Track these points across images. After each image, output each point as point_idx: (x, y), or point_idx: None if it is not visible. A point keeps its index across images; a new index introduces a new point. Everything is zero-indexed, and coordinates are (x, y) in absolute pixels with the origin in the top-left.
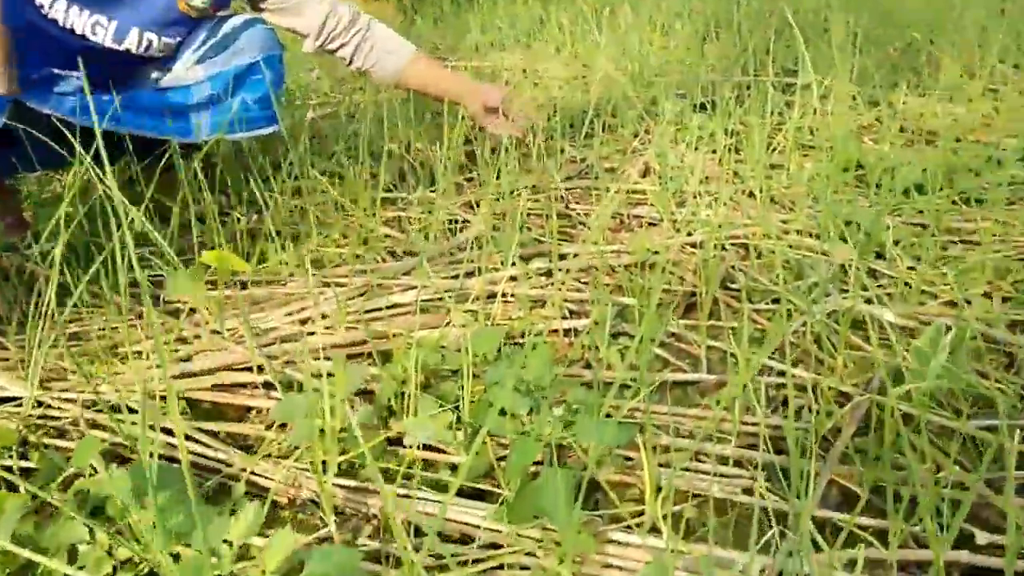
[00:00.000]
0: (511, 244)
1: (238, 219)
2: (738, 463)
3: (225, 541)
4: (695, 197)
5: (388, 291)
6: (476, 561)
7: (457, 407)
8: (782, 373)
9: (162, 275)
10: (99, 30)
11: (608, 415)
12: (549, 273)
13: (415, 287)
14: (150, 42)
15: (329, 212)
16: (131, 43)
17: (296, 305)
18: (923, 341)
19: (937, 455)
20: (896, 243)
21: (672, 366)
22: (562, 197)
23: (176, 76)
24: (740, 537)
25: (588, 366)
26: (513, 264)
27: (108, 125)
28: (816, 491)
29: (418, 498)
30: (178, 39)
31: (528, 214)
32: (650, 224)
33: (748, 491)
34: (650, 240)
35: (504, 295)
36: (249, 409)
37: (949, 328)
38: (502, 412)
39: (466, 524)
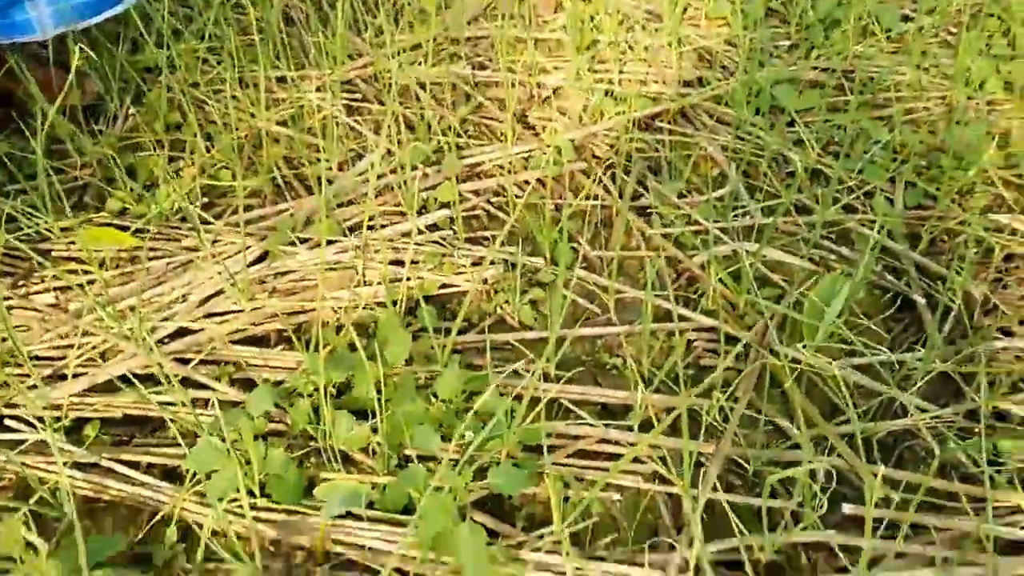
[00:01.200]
0: (411, 193)
1: (114, 118)
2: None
3: None
4: (608, 47)
5: (288, 254)
6: None
7: (373, 416)
8: (685, 318)
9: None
10: None
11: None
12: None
13: (318, 244)
14: None
15: (212, 100)
16: None
17: (194, 276)
18: (820, 291)
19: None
20: (807, 114)
21: (582, 311)
22: (467, 60)
23: None
24: (645, 529)
25: (500, 322)
26: (419, 213)
27: None
28: (708, 480)
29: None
30: None
31: (432, 88)
32: (560, 87)
33: (653, 476)
34: (560, 133)
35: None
36: (164, 423)
37: (849, 275)
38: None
39: (382, 552)
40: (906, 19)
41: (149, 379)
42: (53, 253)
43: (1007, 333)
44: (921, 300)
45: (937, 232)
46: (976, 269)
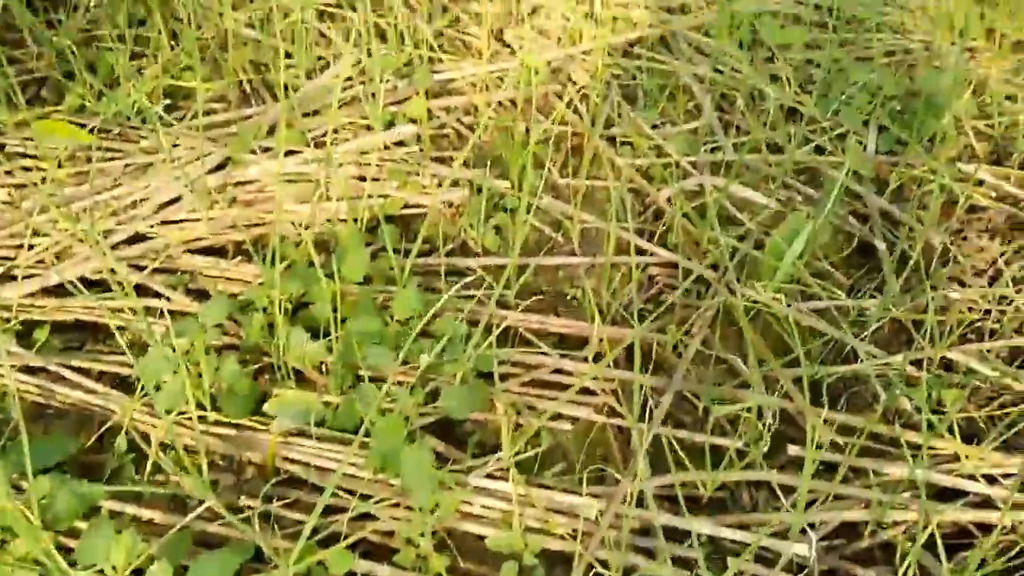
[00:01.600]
0: (378, 106)
1: (74, 7)
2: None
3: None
4: None
5: (248, 162)
6: (342, 510)
7: (328, 334)
8: (648, 252)
9: None
10: None
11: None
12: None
13: (281, 154)
14: None
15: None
16: None
17: (152, 180)
18: (782, 231)
19: (771, 356)
20: (788, 49)
21: (547, 240)
22: None
23: None
24: (594, 460)
25: (464, 247)
26: (387, 126)
27: None
28: (657, 414)
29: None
30: None
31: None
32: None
33: (603, 409)
34: (537, 54)
35: (378, 162)
36: (119, 329)
37: (810, 215)
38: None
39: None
40: None
41: (103, 284)
42: (7, 148)
43: (962, 283)
44: (882, 246)
45: (905, 179)
46: (940, 218)
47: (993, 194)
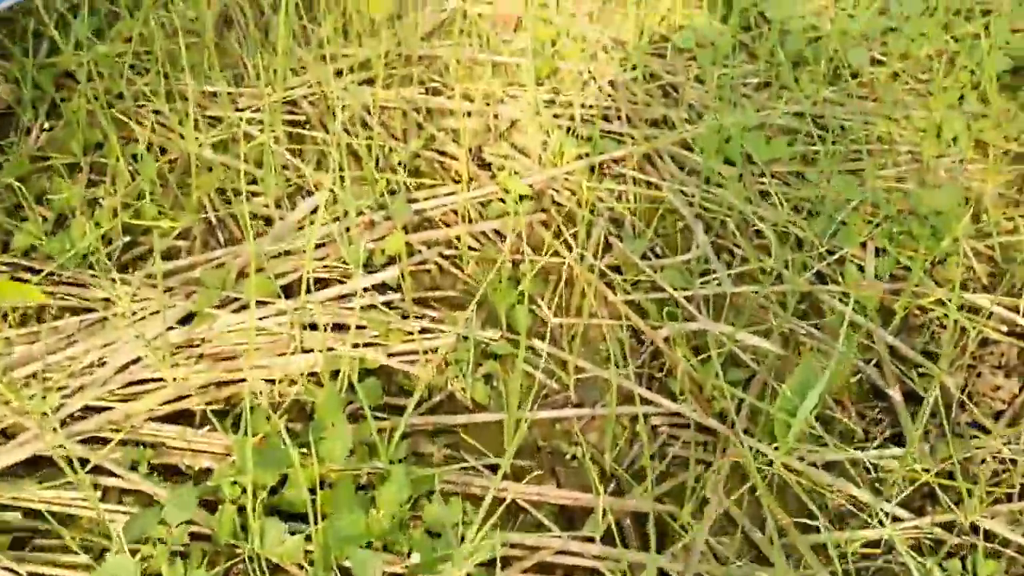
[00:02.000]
0: (357, 249)
1: (26, 131)
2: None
3: None
4: (569, 77)
5: (214, 317)
6: None
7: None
8: (648, 401)
9: None
10: None
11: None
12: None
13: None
14: None
15: (136, 118)
16: None
17: (109, 338)
18: (792, 384)
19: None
20: (777, 164)
21: (539, 386)
22: (420, 84)
23: None
24: None
25: (451, 399)
26: (365, 267)
27: None
28: None
29: None
30: None
31: (382, 114)
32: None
33: None
34: (518, 176)
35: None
36: (72, 518)
37: (822, 354)
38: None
39: None
40: (875, 62)
41: (56, 464)
42: None
43: (981, 427)
44: (897, 397)
45: (911, 307)
46: (950, 353)
47: (1004, 328)
